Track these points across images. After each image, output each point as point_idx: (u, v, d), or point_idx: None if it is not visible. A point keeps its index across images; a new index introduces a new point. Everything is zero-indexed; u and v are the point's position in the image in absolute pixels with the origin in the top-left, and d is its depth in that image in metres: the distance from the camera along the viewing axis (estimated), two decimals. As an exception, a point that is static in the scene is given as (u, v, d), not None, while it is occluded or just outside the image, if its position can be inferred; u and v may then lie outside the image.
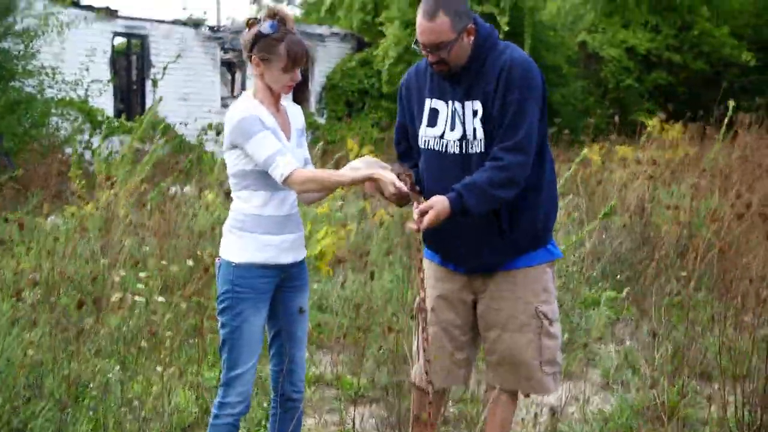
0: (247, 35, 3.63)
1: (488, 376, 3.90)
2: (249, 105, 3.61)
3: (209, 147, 20.27)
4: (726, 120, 10.35)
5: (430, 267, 3.93)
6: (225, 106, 22.79)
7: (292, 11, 46.75)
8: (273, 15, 3.62)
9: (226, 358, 3.72)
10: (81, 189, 9.23)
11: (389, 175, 3.44)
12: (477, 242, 3.64)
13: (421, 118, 3.74)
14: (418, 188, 3.60)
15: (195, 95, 21.52)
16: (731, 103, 10.31)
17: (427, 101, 3.72)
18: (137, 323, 5.89)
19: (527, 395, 3.96)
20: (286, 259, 3.72)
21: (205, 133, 20.91)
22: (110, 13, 20.06)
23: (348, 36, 24.60)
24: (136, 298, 6.06)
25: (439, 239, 3.74)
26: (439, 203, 3.42)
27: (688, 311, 5.70)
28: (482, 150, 3.58)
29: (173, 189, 10.79)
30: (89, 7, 19.63)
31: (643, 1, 27.03)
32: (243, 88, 23.05)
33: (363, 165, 3.66)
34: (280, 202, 3.67)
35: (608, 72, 26.07)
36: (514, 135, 3.50)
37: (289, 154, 3.53)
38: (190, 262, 6.58)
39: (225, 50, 22.75)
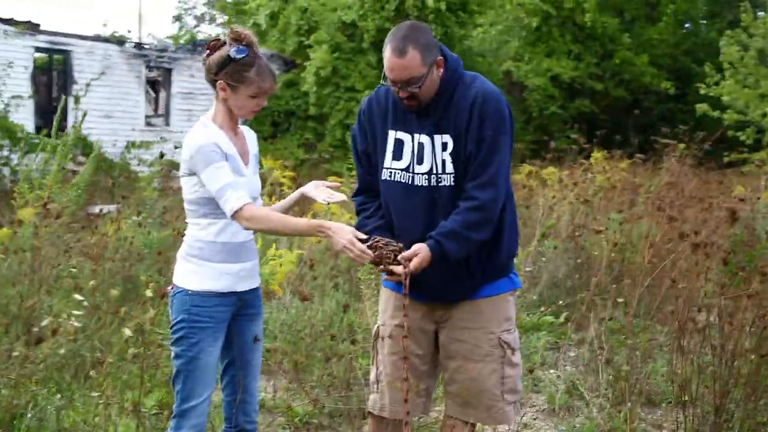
0: (214, 58, 3.53)
1: (447, 407, 3.87)
2: (209, 131, 3.53)
3: (134, 166, 19.94)
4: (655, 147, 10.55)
5: (390, 296, 3.88)
6: (149, 124, 22.50)
7: (213, 30, 46.61)
8: (239, 38, 3.52)
9: (180, 389, 3.62)
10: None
11: (345, 232, 3.39)
12: (444, 281, 3.62)
13: (385, 149, 3.66)
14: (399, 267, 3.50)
15: (119, 113, 21.22)
16: (681, 144, 10.51)
17: (391, 133, 3.65)
18: (73, 348, 5.72)
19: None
20: (243, 286, 3.65)
21: (129, 152, 20.58)
22: (32, 28, 19.63)
23: (274, 56, 24.55)
24: (72, 322, 5.87)
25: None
26: (423, 251, 3.42)
27: (626, 337, 5.77)
28: (452, 183, 3.55)
29: (105, 209, 10.57)
30: (10, 21, 19.18)
31: (566, 31, 27.53)
32: (167, 106, 22.78)
33: (312, 188, 3.69)
34: (238, 230, 3.60)
35: (533, 100, 26.54)
36: (487, 170, 3.49)
37: (241, 189, 3.45)
38: (147, 292, 6.42)
39: (150, 68, 22.47)
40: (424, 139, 3.57)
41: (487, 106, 3.51)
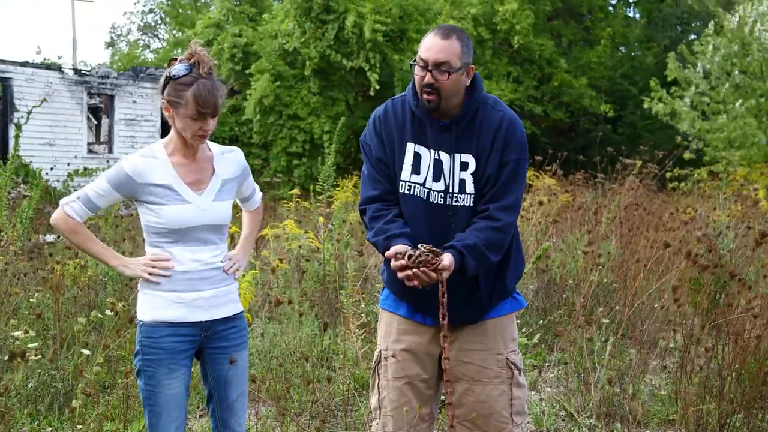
0: (163, 76, 3.45)
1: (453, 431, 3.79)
2: (139, 157, 3.47)
3: (77, 193, 19.65)
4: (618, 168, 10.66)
5: (392, 319, 3.78)
6: (91, 151, 22.19)
7: (148, 55, 46.26)
8: (189, 56, 3.42)
9: (147, 423, 3.52)
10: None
11: (138, 263, 3.50)
12: (452, 298, 3.54)
13: (403, 161, 3.57)
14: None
15: (61, 140, 20.91)
16: (638, 164, 10.62)
17: (410, 145, 3.56)
18: (43, 380, 5.53)
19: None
20: (201, 316, 3.51)
21: (72, 180, 20.23)
22: (-30, 55, 19.25)
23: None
24: (36, 356, 5.68)
25: (411, 290, 3.54)
26: (448, 260, 3.31)
27: (608, 359, 5.77)
28: (470, 204, 3.49)
29: (49, 237, 10.33)
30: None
31: (502, 54, 27.76)
32: (110, 133, 22.47)
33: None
34: (192, 257, 3.48)
35: (472, 123, 26.77)
36: (510, 195, 3.46)
37: (79, 203, 3.47)
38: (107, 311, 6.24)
39: (91, 95, 22.17)
40: (443, 156, 3.51)
41: (511, 131, 3.49)
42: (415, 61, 3.47)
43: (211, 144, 3.64)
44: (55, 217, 3.50)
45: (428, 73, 3.41)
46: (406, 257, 3.26)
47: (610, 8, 32.87)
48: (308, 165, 24.04)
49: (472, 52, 3.51)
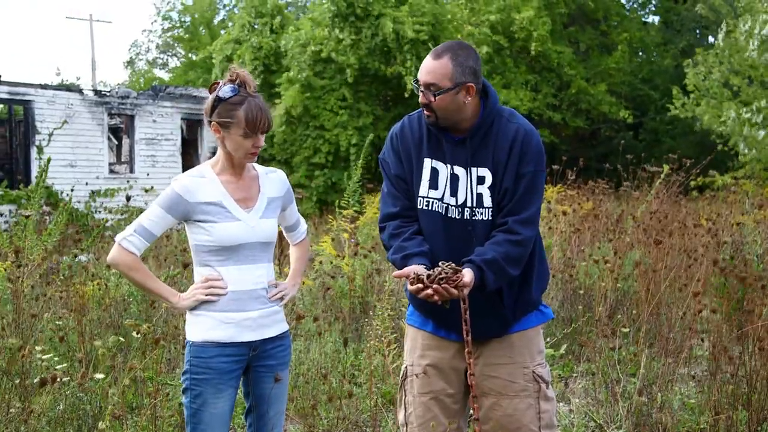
0: (208, 100, 3.51)
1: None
2: (187, 177, 3.53)
3: (99, 214, 19.70)
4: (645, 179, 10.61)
5: (417, 335, 3.80)
6: (113, 172, 22.31)
7: (165, 74, 46.57)
8: (234, 78, 3.49)
9: None
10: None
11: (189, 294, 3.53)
12: (475, 312, 3.53)
13: (420, 176, 3.57)
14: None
15: (82, 161, 21.03)
16: (665, 168, 10.57)
17: (427, 161, 3.56)
18: (72, 402, 5.55)
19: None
20: (250, 336, 3.55)
21: (94, 200, 20.35)
22: (-9, 79, 19.44)
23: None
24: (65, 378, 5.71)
25: (433, 306, 3.55)
26: (468, 277, 3.30)
27: (635, 369, 5.74)
28: (488, 218, 3.49)
29: (78, 258, 10.38)
30: (-32, 74, 18.97)
31: (520, 62, 27.69)
32: (131, 153, 22.61)
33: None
34: (240, 277, 3.52)
35: (490, 133, 26.67)
36: (528, 208, 3.45)
37: (136, 235, 3.49)
38: (135, 334, 6.27)
39: (111, 115, 22.32)
40: (459, 170, 3.51)
41: (527, 143, 3.48)
42: (416, 80, 3.50)
43: (256, 165, 3.70)
44: (114, 255, 3.50)
45: (421, 93, 3.46)
46: (422, 278, 3.26)
47: (626, 12, 32.74)
48: (329, 176, 24.05)
49: (478, 68, 3.48)
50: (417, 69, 23.76)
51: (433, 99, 3.41)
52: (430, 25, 24.35)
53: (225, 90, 3.45)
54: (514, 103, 25.98)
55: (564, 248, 8.72)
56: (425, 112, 3.49)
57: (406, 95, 23.94)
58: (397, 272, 3.40)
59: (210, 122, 3.52)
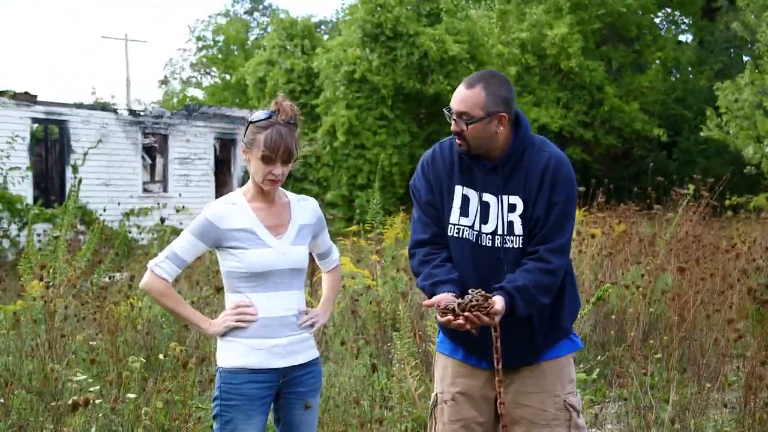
0: (245, 124, 3.60)
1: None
2: (219, 204, 3.58)
3: (133, 233, 19.87)
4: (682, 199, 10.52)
5: (448, 362, 3.79)
6: (146, 191, 22.47)
7: (198, 93, 46.98)
8: (274, 105, 3.54)
9: None
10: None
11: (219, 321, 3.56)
12: (505, 340, 3.52)
13: (452, 204, 3.59)
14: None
15: (116, 180, 21.22)
16: (691, 188, 10.49)
17: (458, 188, 3.58)
18: (104, 424, 5.59)
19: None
20: (280, 363, 3.56)
21: (128, 219, 20.51)
22: (28, 99, 19.67)
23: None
24: (97, 400, 5.74)
25: (464, 333, 3.53)
26: (500, 304, 3.31)
27: (668, 395, 5.68)
28: (519, 246, 3.50)
29: (115, 276, 10.48)
30: (5, 92, 19.22)
31: (551, 79, 27.61)
32: (165, 172, 22.78)
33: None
34: (270, 304, 3.54)
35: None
36: (560, 236, 3.46)
37: (168, 261, 3.53)
38: (161, 356, 6.31)
39: (146, 135, 22.51)
40: (490, 198, 3.53)
41: (559, 171, 3.49)
42: (449, 108, 3.51)
43: (287, 192, 3.74)
44: (146, 281, 3.55)
45: (453, 122, 3.48)
46: (452, 308, 3.26)
47: (660, 32, 32.56)
48: (369, 195, 24.14)
49: (511, 97, 3.50)
50: (455, 87, 23.85)
51: (465, 128, 3.43)
52: (467, 43, 24.41)
53: (258, 113, 3.53)
54: (544, 120, 25.89)
55: (596, 271, 8.66)
56: (457, 140, 3.51)
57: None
58: (427, 302, 3.41)
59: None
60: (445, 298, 3.35)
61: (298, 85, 25.85)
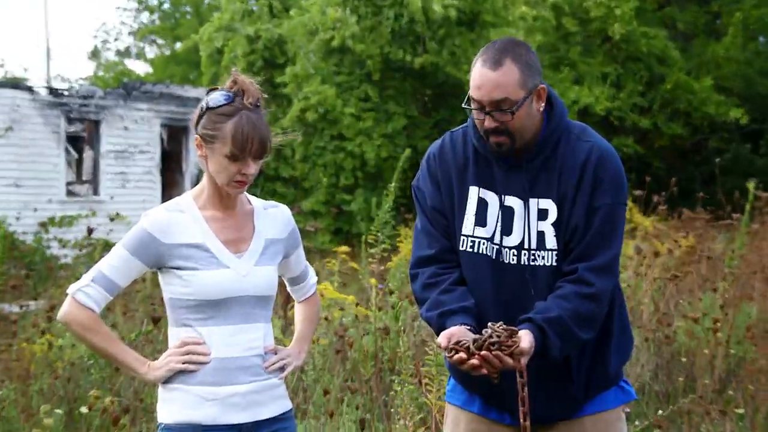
0: (197, 109, 3.56)
1: None
2: (162, 211, 3.55)
3: (54, 249, 19.83)
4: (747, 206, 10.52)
5: (461, 417, 3.79)
6: (71, 194, 22.43)
7: (143, 67, 47.12)
8: (231, 85, 3.53)
9: None
10: None
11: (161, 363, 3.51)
12: (535, 388, 3.49)
13: (464, 211, 3.59)
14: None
15: (31, 180, 21.18)
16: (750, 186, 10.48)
17: (473, 190, 3.58)
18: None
19: None
20: (240, 417, 3.53)
21: (47, 231, 20.48)
22: None
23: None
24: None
25: (481, 378, 3.46)
26: (527, 342, 3.27)
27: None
28: (552, 264, 3.48)
29: (27, 306, 10.48)
30: None
31: (596, 50, 27.47)
32: (94, 170, 22.76)
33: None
34: (228, 341, 3.52)
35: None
36: (605, 251, 3.44)
37: (94, 286, 3.48)
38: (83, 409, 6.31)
39: (70, 120, 22.47)
40: (514, 201, 3.52)
41: (603, 167, 3.48)
42: (468, 100, 3.47)
43: (251, 197, 3.72)
44: (67, 312, 3.50)
45: (487, 117, 3.42)
46: (466, 345, 3.22)
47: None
48: (365, 198, 23.99)
49: (539, 65, 3.50)
50: (453, 58, 23.82)
51: (511, 118, 3.39)
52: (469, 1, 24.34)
53: (215, 97, 3.49)
54: (586, 101, 25.71)
55: (657, 300, 8.65)
56: (494, 139, 3.45)
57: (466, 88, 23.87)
58: (441, 340, 3.35)
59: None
60: (459, 332, 3.32)
61: (261, 57, 25.73)
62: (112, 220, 21.73)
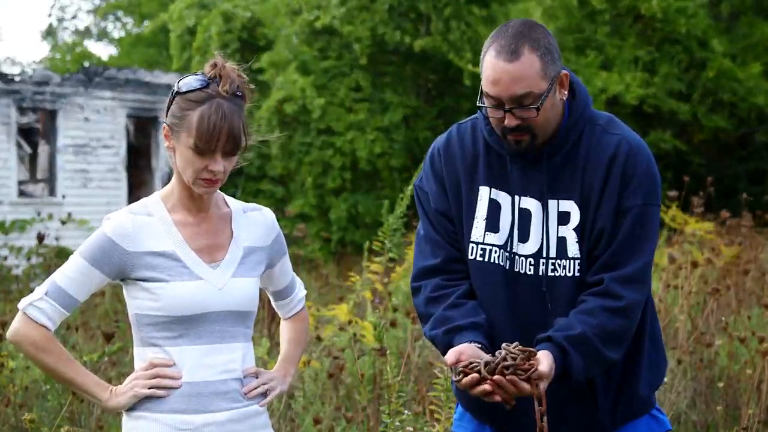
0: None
1: None
2: (126, 215, 3.52)
3: (5, 257, 19.84)
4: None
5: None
6: (24, 194, 22.41)
7: (107, 50, 47.08)
8: (211, 68, 3.50)
9: None
10: None
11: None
12: (554, 412, 3.51)
13: (473, 214, 3.58)
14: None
15: (-22, 179, 21.15)
16: None
17: (484, 190, 3.57)
18: None
19: None
20: None
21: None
22: None
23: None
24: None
25: (492, 405, 3.42)
26: (546, 365, 3.25)
27: None
28: (575, 274, 3.48)
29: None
30: None
31: (628, 32, 27.38)
32: (50, 167, 22.73)
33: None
34: (201, 363, 3.50)
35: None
36: (635, 259, 3.43)
37: (47, 300, 3.45)
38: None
39: (23, 111, 22.45)
40: (531, 203, 3.52)
41: (633, 163, 3.47)
42: (482, 95, 3.45)
43: (229, 199, 3.70)
44: (17, 329, 3.46)
45: (507, 114, 3.40)
46: (478, 369, 3.20)
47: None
48: (351, 203, 23.92)
49: (558, 49, 3.47)
50: (463, 38, 23.78)
51: (536, 113, 3.37)
52: None
53: (188, 81, 3.47)
54: (615, 89, 25.57)
55: (694, 316, 8.65)
56: (514, 136, 3.44)
57: (465, 81, 23.83)
58: (448, 357, 3.34)
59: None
60: (469, 350, 3.31)
61: (237, 37, 25.66)
62: (64, 223, 21.46)
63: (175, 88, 3.49)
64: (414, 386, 7.02)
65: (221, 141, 3.39)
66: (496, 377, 3.17)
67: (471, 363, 3.23)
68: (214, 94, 3.42)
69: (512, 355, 3.20)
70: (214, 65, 3.49)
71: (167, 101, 3.52)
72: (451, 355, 3.31)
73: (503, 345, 3.24)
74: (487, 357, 3.24)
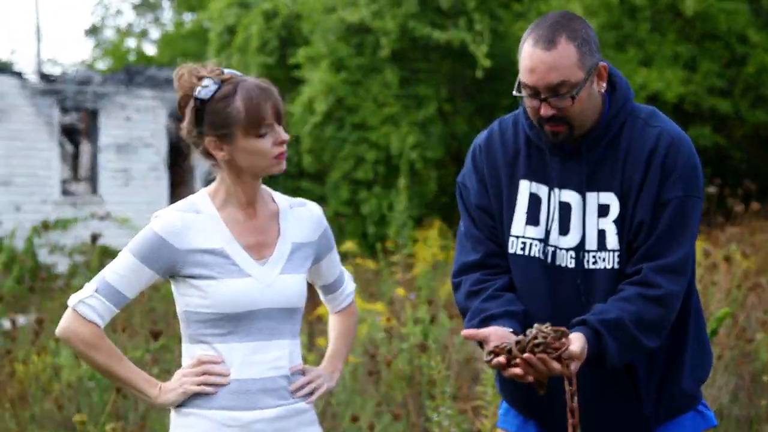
0: (187, 111, 3.51)
1: None
2: (175, 213, 3.51)
3: (44, 256, 19.84)
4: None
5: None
6: (67, 193, 22.40)
7: (144, 47, 47.11)
8: (210, 71, 3.49)
9: None
10: None
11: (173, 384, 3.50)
12: (597, 409, 3.52)
13: (514, 208, 3.59)
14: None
15: (21, 178, 21.23)
16: None
17: (524, 184, 3.58)
18: None
19: None
20: None
21: (38, 236, 20.49)
22: None
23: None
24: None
25: (536, 400, 3.47)
26: (578, 345, 3.23)
27: None
28: (614, 266, 3.47)
29: (19, 320, 10.55)
30: None
31: (668, 28, 27.26)
32: (92, 166, 22.75)
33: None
34: (250, 360, 3.52)
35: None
36: (674, 250, 3.42)
37: (98, 297, 3.45)
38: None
39: (65, 110, 22.45)
40: (571, 196, 3.52)
41: (674, 155, 3.46)
42: (519, 85, 3.46)
43: (276, 195, 3.68)
44: (66, 326, 3.47)
45: (543, 104, 3.41)
46: (508, 348, 3.19)
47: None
48: (383, 199, 23.84)
49: (596, 41, 3.48)
50: (490, 36, 23.64)
51: (571, 102, 3.38)
52: None
53: (204, 89, 3.45)
54: (656, 86, 25.46)
55: (734, 311, 8.61)
56: (551, 127, 3.45)
57: (479, 76, 23.67)
58: (466, 332, 3.39)
59: (198, 142, 3.49)
60: (497, 332, 3.32)
61: (277, 35, 25.60)
62: (102, 219, 21.43)
63: (196, 98, 3.44)
64: (455, 382, 7.01)
65: (272, 109, 3.42)
66: (526, 355, 3.15)
67: (502, 343, 3.22)
68: (237, 80, 3.44)
69: (543, 333, 3.18)
70: (212, 70, 3.49)
71: (190, 121, 3.49)
72: (475, 332, 3.34)
73: (535, 325, 3.23)
74: (518, 337, 3.22)
